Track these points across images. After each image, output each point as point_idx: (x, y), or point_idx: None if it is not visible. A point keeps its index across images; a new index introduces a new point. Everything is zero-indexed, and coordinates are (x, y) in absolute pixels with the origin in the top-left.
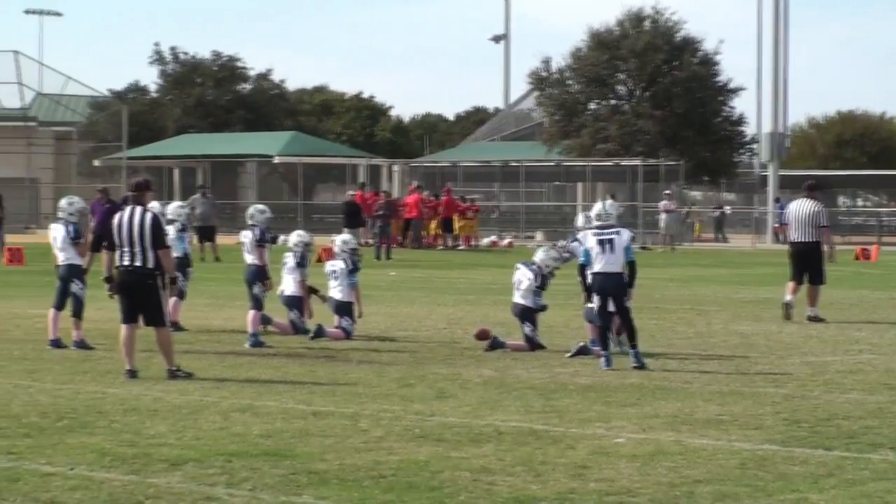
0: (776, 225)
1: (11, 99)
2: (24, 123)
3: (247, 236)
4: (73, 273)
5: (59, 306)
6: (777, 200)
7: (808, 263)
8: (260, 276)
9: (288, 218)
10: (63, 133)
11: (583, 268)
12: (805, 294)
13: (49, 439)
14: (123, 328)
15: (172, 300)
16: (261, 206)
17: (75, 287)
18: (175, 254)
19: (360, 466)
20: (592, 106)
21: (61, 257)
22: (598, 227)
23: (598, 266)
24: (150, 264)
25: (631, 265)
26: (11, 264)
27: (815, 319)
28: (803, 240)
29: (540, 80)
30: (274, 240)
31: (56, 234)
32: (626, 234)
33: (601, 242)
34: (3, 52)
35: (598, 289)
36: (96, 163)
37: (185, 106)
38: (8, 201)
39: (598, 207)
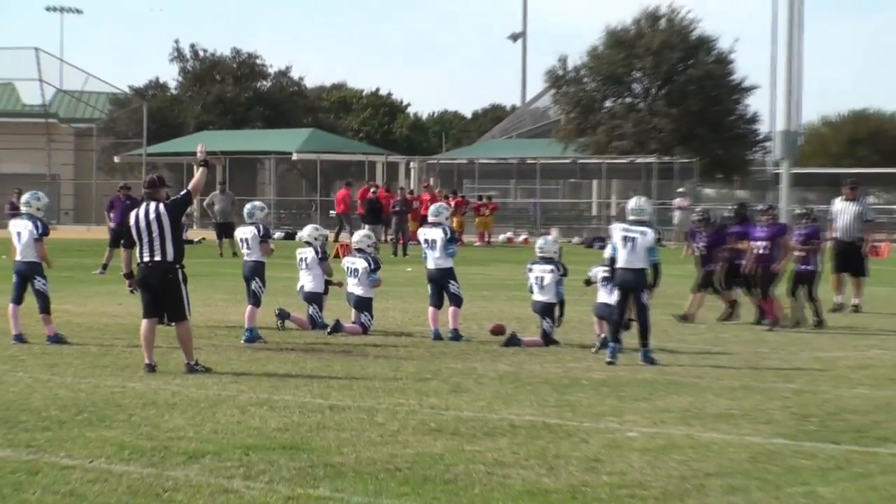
0: None
1: (32, 96)
2: (45, 120)
3: (247, 233)
4: (35, 271)
5: (18, 301)
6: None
7: None
8: (260, 272)
9: (306, 214)
10: (83, 130)
11: (612, 260)
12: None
13: (68, 432)
14: (144, 323)
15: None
16: (260, 203)
17: (38, 284)
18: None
19: (377, 460)
20: (608, 104)
21: (22, 254)
22: (628, 223)
23: (620, 261)
24: (170, 258)
25: (655, 267)
26: None
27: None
28: None
29: (556, 78)
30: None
31: (21, 229)
32: (650, 235)
33: (625, 239)
34: (24, 49)
35: (619, 283)
36: (116, 159)
37: (205, 103)
38: None
39: (632, 203)
